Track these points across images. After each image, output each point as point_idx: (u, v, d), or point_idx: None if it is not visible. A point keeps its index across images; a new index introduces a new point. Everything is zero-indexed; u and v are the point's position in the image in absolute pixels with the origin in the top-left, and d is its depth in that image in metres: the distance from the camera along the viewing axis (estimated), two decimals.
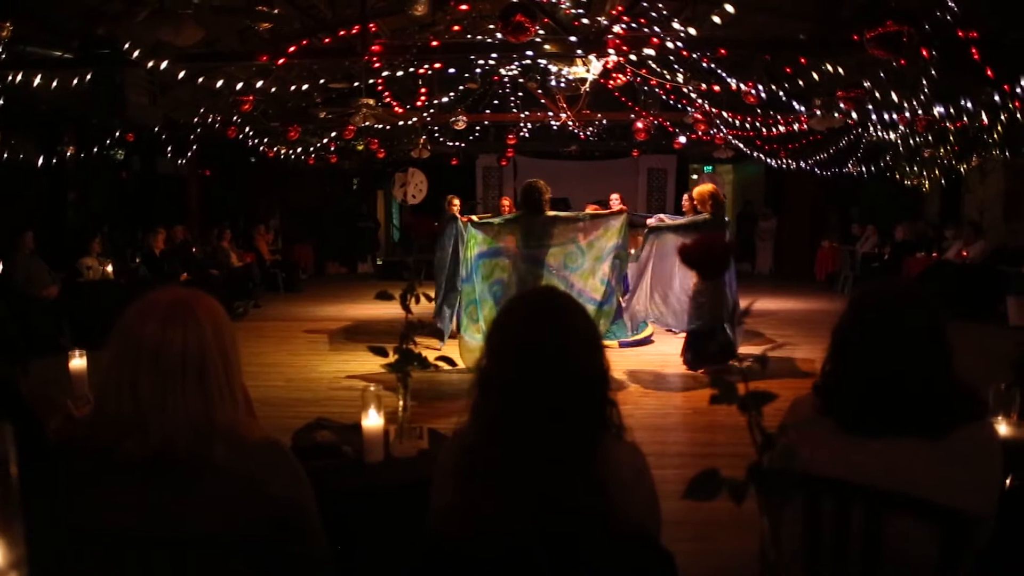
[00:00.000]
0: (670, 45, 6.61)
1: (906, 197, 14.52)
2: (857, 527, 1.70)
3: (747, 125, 10.61)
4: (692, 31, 6.96)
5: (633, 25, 7.35)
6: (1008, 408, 2.60)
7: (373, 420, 2.57)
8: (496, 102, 12.37)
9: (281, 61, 7.07)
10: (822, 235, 15.30)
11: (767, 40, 8.23)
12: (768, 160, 13.83)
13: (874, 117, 9.16)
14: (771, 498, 1.37)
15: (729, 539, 3.44)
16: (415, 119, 11.40)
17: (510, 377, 1.58)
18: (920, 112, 8.73)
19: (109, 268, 9.71)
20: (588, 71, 8.48)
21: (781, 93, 8.38)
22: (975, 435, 1.75)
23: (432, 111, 11.23)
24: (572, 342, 1.61)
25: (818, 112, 8.79)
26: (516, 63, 9.67)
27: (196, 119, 10.30)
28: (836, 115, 8.73)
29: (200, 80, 8.61)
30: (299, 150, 13.60)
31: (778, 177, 16.28)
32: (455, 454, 1.64)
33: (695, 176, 18.94)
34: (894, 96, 8.38)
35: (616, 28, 7.01)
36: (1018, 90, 7.04)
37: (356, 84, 9.86)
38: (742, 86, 8.33)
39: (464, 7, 7.58)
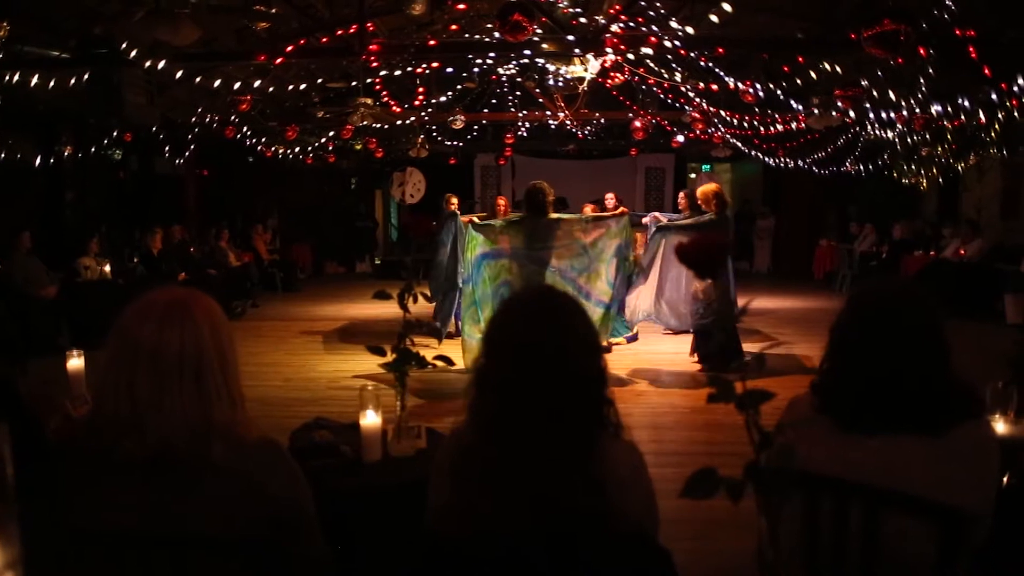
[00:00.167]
0: (668, 44, 6.60)
1: (904, 196, 14.53)
2: (855, 525, 1.71)
3: (745, 124, 10.61)
4: (690, 30, 6.96)
5: (631, 24, 7.35)
6: (1005, 406, 2.61)
7: (371, 419, 2.58)
8: (494, 101, 12.37)
9: (279, 61, 7.06)
10: (820, 234, 15.30)
11: (765, 39, 8.23)
12: (766, 159, 13.83)
13: (872, 116, 9.16)
14: (769, 497, 1.37)
15: (728, 538, 3.44)
16: (413, 118, 11.39)
17: (508, 376, 1.58)
18: (918, 111, 8.73)
19: (107, 268, 9.71)
20: (586, 70, 8.47)
21: (779, 92, 8.38)
22: (973, 433, 1.75)
23: (430, 110, 11.22)
24: (570, 341, 1.61)
25: (816, 111, 8.79)
26: (514, 62, 9.67)
27: (194, 119, 10.29)
28: (834, 114, 8.73)
29: (198, 80, 8.60)
30: (297, 150, 13.59)
31: (776, 176, 16.29)
32: (453, 453, 1.64)
33: (693, 175, 18.94)
34: (892, 95, 8.39)
35: (614, 27, 7.00)
36: (1015, 88, 7.04)
37: (354, 83, 9.85)
38: (740, 85, 8.33)
39: (462, 6, 7.57)
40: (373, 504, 2.47)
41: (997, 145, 10.65)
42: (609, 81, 9.42)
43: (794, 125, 10.26)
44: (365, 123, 9.55)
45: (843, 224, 15.41)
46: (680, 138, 12.78)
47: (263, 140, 12.37)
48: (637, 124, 11.17)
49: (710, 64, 8.36)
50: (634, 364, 7.48)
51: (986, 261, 10.81)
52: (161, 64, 6.59)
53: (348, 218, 18.08)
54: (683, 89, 9.41)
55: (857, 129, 11.25)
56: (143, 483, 1.56)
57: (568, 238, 6.90)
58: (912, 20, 5.14)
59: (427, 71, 9.62)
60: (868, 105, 8.69)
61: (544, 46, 7.14)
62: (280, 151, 13.32)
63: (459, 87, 10.93)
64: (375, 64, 8.21)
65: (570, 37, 6.90)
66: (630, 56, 7.81)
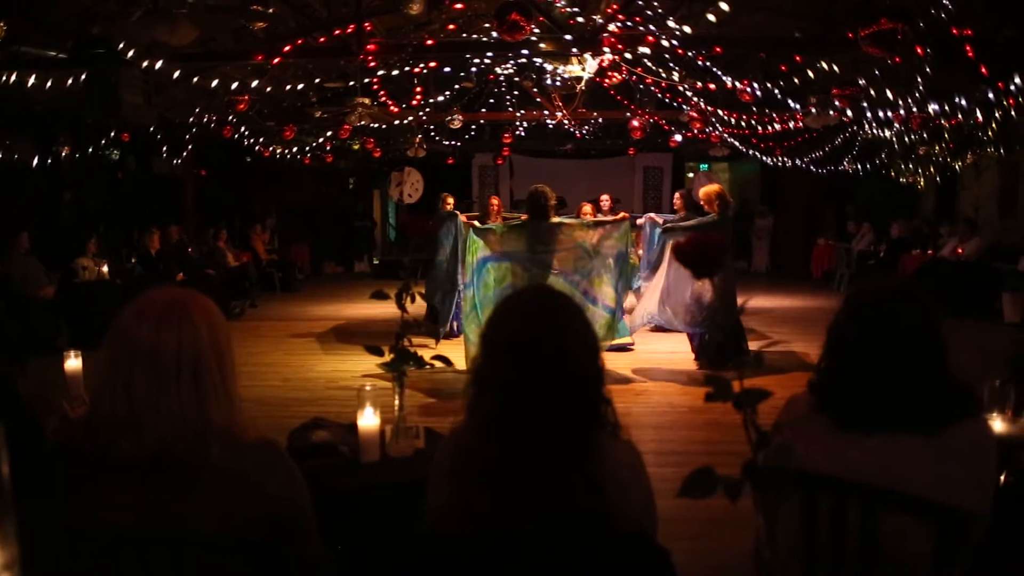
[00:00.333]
0: (665, 43, 6.61)
1: (901, 195, 14.54)
2: (853, 524, 1.71)
3: (743, 123, 10.62)
4: (687, 29, 6.97)
5: (628, 23, 7.35)
6: (1003, 405, 2.61)
7: (369, 419, 2.57)
8: (492, 101, 12.37)
9: (276, 60, 7.06)
10: (818, 233, 15.31)
11: (762, 38, 8.24)
12: (764, 158, 13.84)
13: (869, 115, 9.17)
14: (766, 496, 1.37)
15: (726, 537, 3.44)
16: (411, 118, 11.38)
17: (506, 376, 1.58)
18: (915, 110, 8.74)
19: (105, 268, 9.70)
20: (583, 69, 8.47)
21: (776, 91, 8.38)
22: (970, 432, 1.75)
23: (428, 110, 11.22)
24: (568, 341, 1.61)
25: (813, 110, 8.80)
26: (512, 62, 9.67)
27: (191, 119, 10.28)
28: (831, 113, 8.74)
29: (195, 80, 8.59)
30: (295, 150, 13.58)
31: (774, 175, 16.30)
32: (451, 453, 1.64)
33: (691, 174, 18.95)
34: (889, 94, 8.40)
35: (611, 26, 7.01)
36: (1012, 87, 7.05)
37: (352, 83, 9.84)
38: (738, 84, 8.34)
39: (459, 6, 7.58)
40: (371, 504, 2.47)
41: (994, 144, 10.67)
42: (607, 80, 9.41)
43: (792, 124, 10.27)
44: (363, 123, 9.55)
45: (841, 223, 15.43)
46: (678, 137, 12.79)
47: (261, 140, 12.36)
48: (635, 123, 11.18)
49: (708, 63, 8.37)
50: (633, 363, 7.49)
51: (984, 260, 10.83)
52: (158, 64, 6.59)
53: (346, 218, 18.08)
54: (681, 88, 9.42)
55: (855, 128, 11.27)
56: (141, 483, 1.56)
57: (570, 242, 6.92)
58: (909, 19, 5.15)
59: (425, 71, 9.62)
60: (865, 104, 8.70)
61: (542, 45, 7.15)
62: (278, 151, 13.31)
63: (457, 87, 10.93)
64: (373, 64, 8.20)
65: (568, 36, 6.91)
66: (628, 55, 7.81)
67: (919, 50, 6.08)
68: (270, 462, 1.69)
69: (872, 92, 8.29)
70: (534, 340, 1.59)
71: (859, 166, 13.19)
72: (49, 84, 7.38)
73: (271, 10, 7.29)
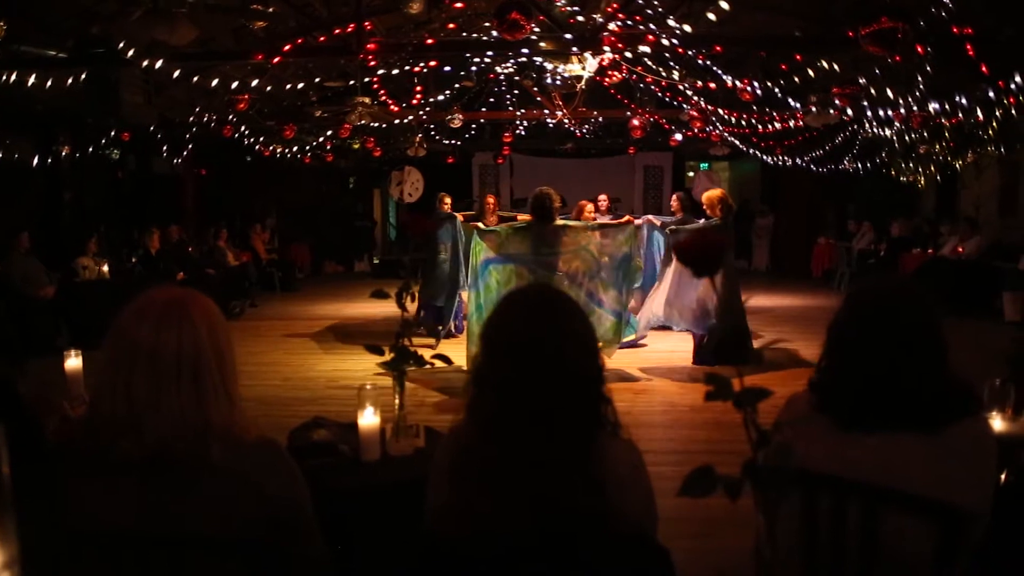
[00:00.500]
0: (666, 42, 6.60)
1: (902, 193, 14.53)
2: (853, 524, 1.71)
3: (743, 122, 10.61)
4: (687, 28, 6.96)
5: (629, 22, 7.34)
6: (1003, 404, 2.61)
7: (369, 419, 2.57)
8: (492, 100, 12.36)
9: (276, 60, 7.05)
10: (818, 232, 15.31)
11: (762, 37, 8.24)
12: (764, 157, 13.83)
13: (869, 114, 9.16)
14: (767, 495, 1.37)
15: (726, 536, 3.43)
16: (411, 117, 11.37)
17: (506, 375, 1.58)
18: (915, 108, 8.73)
19: (105, 268, 9.71)
20: (584, 68, 8.47)
21: (777, 90, 8.38)
22: (970, 431, 1.75)
23: (428, 109, 11.21)
24: (568, 340, 1.61)
25: (814, 109, 8.79)
26: (512, 61, 9.66)
27: (191, 118, 10.28)
28: (832, 112, 8.73)
29: (195, 79, 8.59)
30: (295, 149, 13.58)
31: (774, 174, 16.29)
32: (451, 453, 1.64)
33: (691, 173, 18.95)
34: (889, 93, 8.39)
35: (612, 25, 7.00)
36: (1012, 86, 7.05)
37: (352, 82, 9.84)
38: (738, 83, 8.33)
39: (459, 5, 7.57)
40: (372, 503, 2.47)
41: (995, 142, 10.66)
42: (607, 79, 9.41)
43: (792, 123, 10.27)
44: (363, 122, 9.54)
45: (841, 222, 15.43)
46: (678, 136, 12.78)
47: (261, 139, 12.36)
48: (635, 122, 11.18)
49: (708, 62, 8.36)
50: (633, 362, 7.48)
51: (984, 259, 10.83)
52: (158, 64, 6.58)
53: (346, 217, 18.08)
54: (681, 87, 9.41)
55: (855, 127, 11.26)
56: (141, 483, 1.56)
57: (575, 244, 6.95)
58: (909, 18, 5.15)
59: (425, 70, 9.61)
60: (866, 103, 8.69)
61: (542, 44, 7.14)
62: (278, 150, 13.31)
63: (457, 86, 10.92)
64: (373, 63, 8.19)
65: (568, 35, 6.90)
66: (628, 54, 7.80)
67: (919, 49, 6.08)
68: (270, 462, 1.69)
69: (872, 91, 8.29)
70: (534, 340, 1.59)
71: (859, 165, 13.19)
72: (49, 84, 7.38)
73: (271, 9, 7.29)
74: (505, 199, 17.79)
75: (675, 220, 8.21)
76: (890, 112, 8.98)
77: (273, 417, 5.40)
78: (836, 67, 7.39)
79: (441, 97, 10.99)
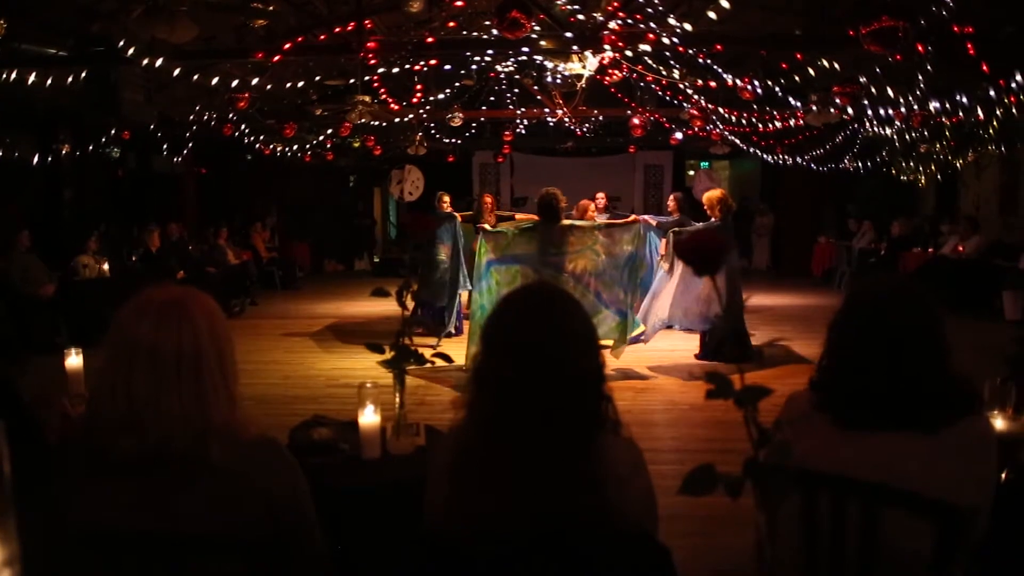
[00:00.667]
0: (666, 41, 6.60)
1: (902, 192, 14.53)
2: (853, 522, 1.71)
3: (743, 121, 10.61)
4: (688, 27, 6.96)
5: (629, 21, 7.33)
6: (1004, 403, 2.61)
7: (370, 417, 2.58)
8: (492, 99, 12.36)
9: (277, 58, 7.05)
10: (819, 231, 15.31)
11: (763, 36, 8.22)
12: (764, 156, 13.82)
13: (870, 113, 9.16)
14: (767, 493, 1.37)
15: (727, 535, 3.44)
16: (411, 116, 11.37)
17: (506, 375, 1.58)
18: (916, 107, 8.73)
19: (105, 266, 9.71)
20: (584, 67, 8.47)
21: (777, 89, 8.38)
22: (971, 430, 1.75)
23: (428, 108, 11.21)
24: (568, 339, 1.61)
25: (814, 108, 8.79)
26: (512, 59, 9.65)
27: (192, 117, 10.27)
28: (832, 111, 8.72)
29: (195, 77, 8.58)
30: (295, 147, 13.57)
31: (775, 173, 16.28)
32: (451, 452, 1.64)
33: (692, 172, 18.94)
34: (890, 91, 8.38)
35: (612, 24, 7.00)
36: (1013, 85, 7.04)
37: (352, 81, 9.83)
38: (738, 82, 8.32)
39: (460, 3, 7.55)
40: (372, 502, 2.47)
41: (995, 141, 10.66)
42: (607, 78, 9.40)
43: (792, 122, 10.26)
44: (363, 121, 9.54)
45: (842, 221, 15.42)
46: (679, 135, 12.77)
47: (261, 138, 12.36)
48: (635, 121, 11.18)
49: (708, 61, 8.36)
50: (633, 361, 7.48)
51: (984, 257, 10.82)
52: (159, 62, 6.59)
53: (347, 216, 18.07)
54: (681, 86, 9.40)
55: (855, 126, 11.25)
56: (141, 482, 1.56)
57: (581, 244, 6.97)
58: (910, 16, 5.15)
59: (425, 68, 9.60)
60: (866, 102, 8.69)
61: (542, 43, 7.14)
62: (278, 149, 13.30)
63: (457, 84, 10.91)
64: (373, 61, 8.18)
65: (568, 34, 6.89)
66: (628, 53, 7.79)
67: (920, 47, 6.07)
68: (271, 460, 1.68)
69: (873, 90, 8.28)
70: (534, 339, 1.59)
71: (860, 164, 13.18)
72: (49, 82, 7.37)
73: (271, 8, 7.28)
74: (505, 198, 17.81)
75: (671, 220, 8.25)
76: (891, 111, 8.97)
77: (273, 416, 5.40)
78: (837, 66, 7.39)
79: (441, 96, 10.98)
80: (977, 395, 1.85)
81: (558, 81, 10.04)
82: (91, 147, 11.08)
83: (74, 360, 2.87)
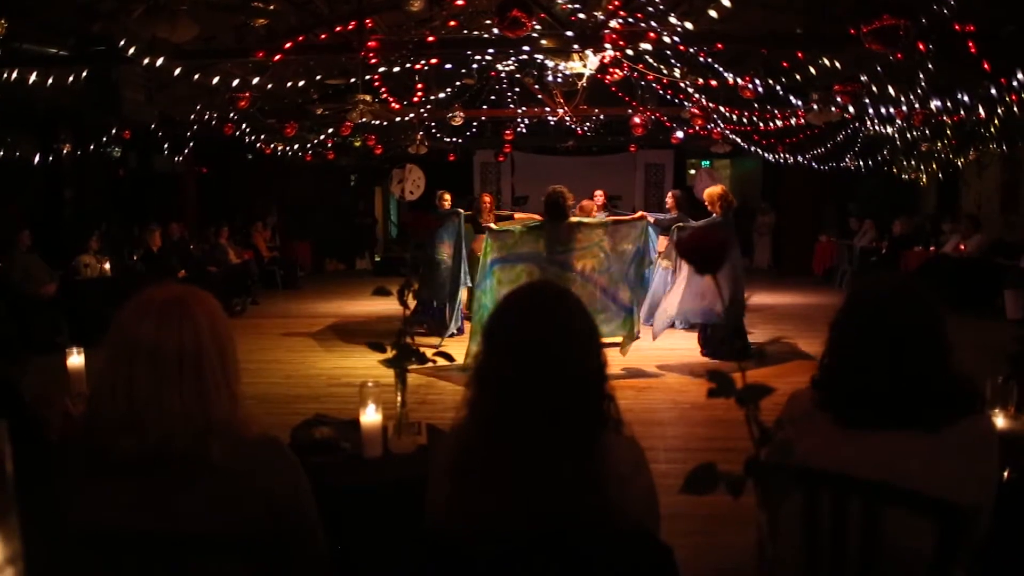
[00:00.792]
0: (667, 40, 6.60)
1: (903, 191, 14.52)
2: (854, 521, 1.71)
3: (744, 120, 10.60)
4: (689, 26, 6.95)
5: (630, 20, 7.33)
6: (1005, 401, 2.61)
7: (371, 416, 2.58)
8: (493, 98, 12.35)
9: (277, 57, 7.05)
10: (820, 229, 15.30)
11: (764, 35, 8.22)
12: (766, 155, 13.82)
13: (871, 111, 9.15)
14: (768, 492, 1.37)
15: (728, 533, 3.44)
16: (412, 115, 11.37)
17: (508, 374, 1.58)
18: (917, 106, 8.72)
19: (107, 266, 9.71)
20: (585, 66, 8.47)
21: (778, 87, 8.37)
22: (973, 429, 1.75)
23: (429, 107, 11.21)
24: (569, 338, 1.60)
25: (815, 106, 8.78)
26: (513, 58, 9.65)
27: (192, 116, 10.27)
28: (833, 109, 8.72)
29: (196, 77, 8.58)
30: (296, 147, 13.57)
31: (776, 172, 16.27)
32: (453, 451, 1.63)
33: (693, 171, 18.92)
34: (891, 90, 8.38)
35: (613, 23, 6.99)
36: (1015, 83, 7.04)
37: (353, 80, 9.83)
38: (739, 81, 8.32)
39: (460, 2, 7.55)
40: (373, 501, 2.48)
41: (997, 140, 10.65)
42: (608, 77, 9.40)
43: (793, 121, 10.26)
44: (364, 120, 9.53)
45: (843, 220, 15.41)
46: (679, 134, 12.78)
47: (262, 137, 12.36)
48: (636, 120, 11.17)
49: (709, 59, 8.35)
50: (634, 360, 7.47)
51: (986, 256, 10.81)
52: (159, 61, 6.58)
53: (348, 215, 18.07)
54: (682, 85, 9.40)
55: (856, 125, 11.24)
56: (142, 481, 1.56)
57: (588, 240, 6.99)
58: (911, 15, 5.14)
59: (426, 67, 9.60)
60: (867, 100, 8.68)
61: (543, 42, 7.14)
62: (279, 148, 13.30)
63: (458, 83, 10.91)
64: (374, 60, 8.19)
65: (569, 33, 6.89)
66: (629, 52, 7.79)
67: (921, 46, 6.07)
68: (272, 459, 1.68)
69: (874, 88, 8.27)
70: (535, 338, 1.59)
71: (861, 163, 13.17)
72: (50, 82, 7.38)
73: (272, 7, 7.28)
74: (506, 197, 17.81)
75: (669, 218, 8.26)
76: (892, 109, 8.97)
77: (275, 415, 5.41)
78: (838, 64, 7.38)
79: (442, 95, 10.98)
80: (979, 394, 1.85)
81: (559, 80, 10.04)
82: (92, 147, 11.08)
83: (75, 359, 2.87)
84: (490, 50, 8.74)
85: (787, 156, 13.56)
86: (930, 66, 7.31)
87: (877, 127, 10.75)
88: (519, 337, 1.61)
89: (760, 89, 8.32)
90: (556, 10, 7.25)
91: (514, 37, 5.76)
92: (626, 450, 1.63)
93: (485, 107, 12.51)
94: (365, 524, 2.36)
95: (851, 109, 8.86)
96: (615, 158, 17.90)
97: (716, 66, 8.42)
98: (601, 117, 13.22)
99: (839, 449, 1.78)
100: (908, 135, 11.23)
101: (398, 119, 11.55)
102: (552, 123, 13.54)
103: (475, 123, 14.28)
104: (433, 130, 13.98)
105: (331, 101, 11.40)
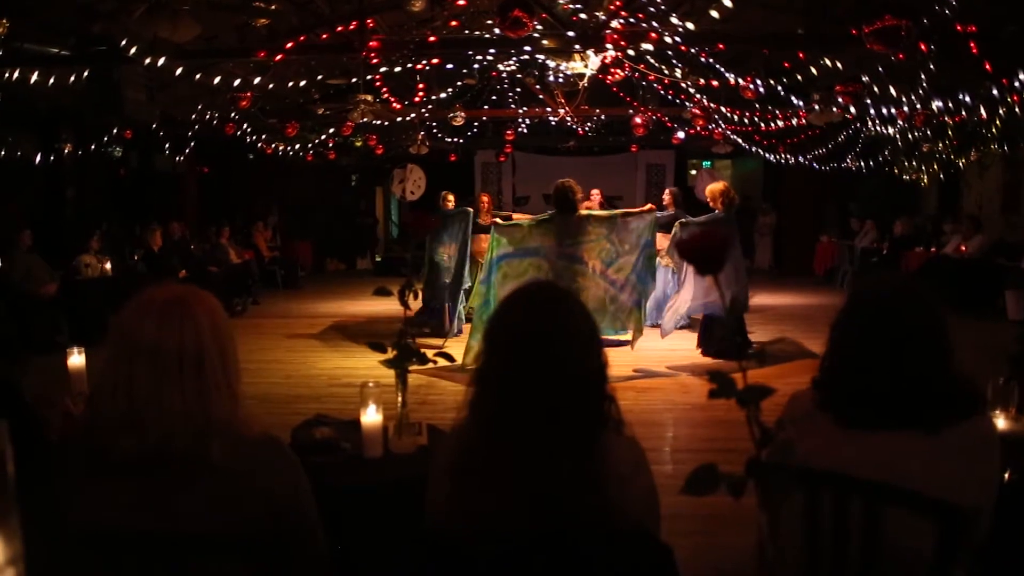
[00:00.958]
0: (668, 40, 6.60)
1: (905, 192, 14.51)
2: (855, 521, 1.70)
3: (745, 120, 10.60)
4: (690, 26, 6.95)
5: (631, 20, 7.33)
6: (1006, 402, 2.61)
7: (372, 416, 2.57)
8: (494, 98, 12.36)
9: (279, 57, 7.06)
10: (821, 230, 15.29)
11: (765, 35, 8.22)
12: (767, 155, 13.82)
13: (872, 112, 9.15)
14: (769, 493, 1.37)
15: (729, 534, 3.44)
16: (413, 115, 11.37)
17: (508, 373, 1.58)
18: (918, 106, 8.72)
19: (107, 265, 9.71)
20: (586, 66, 8.46)
21: (779, 88, 8.37)
22: (974, 430, 1.75)
23: (430, 107, 11.21)
24: (571, 338, 1.60)
25: (816, 107, 8.78)
26: (514, 58, 9.65)
27: (194, 116, 10.28)
28: (834, 110, 8.72)
29: (197, 77, 8.58)
30: (297, 147, 13.57)
31: (777, 172, 16.27)
32: (453, 451, 1.63)
33: (693, 171, 18.92)
34: (892, 91, 8.38)
35: (614, 23, 6.99)
36: (1016, 84, 7.03)
37: (354, 80, 9.83)
38: (740, 81, 8.32)
39: (462, 2, 7.55)
40: (373, 501, 2.48)
41: (998, 140, 10.64)
42: (609, 77, 9.40)
43: (795, 121, 10.25)
44: (365, 120, 9.54)
45: (844, 220, 15.41)
46: (681, 134, 12.78)
47: (263, 137, 12.36)
48: (638, 120, 11.18)
49: (710, 60, 8.35)
50: (635, 360, 7.47)
51: (987, 257, 10.80)
52: (161, 61, 6.58)
53: (348, 215, 18.07)
54: (683, 85, 9.40)
55: (858, 125, 11.24)
56: (142, 480, 1.56)
57: (598, 233, 7.02)
58: (913, 15, 5.14)
59: (427, 67, 9.61)
60: (869, 101, 8.68)
61: (544, 42, 7.14)
62: (280, 148, 13.31)
63: (459, 83, 10.91)
64: (375, 60, 8.19)
65: (570, 33, 6.89)
66: (630, 52, 7.79)
67: (923, 46, 6.06)
68: (273, 459, 1.68)
69: (875, 89, 8.27)
70: (536, 337, 1.59)
71: (862, 163, 13.17)
72: (51, 81, 7.39)
73: (273, 7, 7.28)
74: (507, 197, 17.80)
75: (667, 215, 8.28)
76: (893, 110, 8.97)
77: (275, 415, 5.41)
78: (839, 65, 7.38)
79: (443, 95, 10.98)
80: (980, 395, 1.85)
81: (560, 80, 10.03)
82: (93, 146, 11.09)
83: (76, 359, 2.87)
84: (491, 50, 8.75)
85: (788, 156, 13.56)
86: (931, 67, 7.31)
87: (878, 127, 10.75)
88: (521, 336, 1.61)
89: (761, 89, 8.31)
90: (557, 10, 7.25)
91: (515, 37, 5.76)
92: (626, 450, 1.63)
93: (486, 107, 12.51)
94: (365, 524, 2.36)
95: (852, 109, 8.86)
96: (616, 158, 17.90)
97: (717, 66, 8.42)
98: (602, 117, 13.22)
99: (840, 449, 1.77)
100: (909, 135, 11.22)
101: (399, 119, 11.55)
102: (553, 123, 13.54)
103: (476, 123, 14.28)
104: (434, 130, 13.98)
105: (332, 101, 11.41)
